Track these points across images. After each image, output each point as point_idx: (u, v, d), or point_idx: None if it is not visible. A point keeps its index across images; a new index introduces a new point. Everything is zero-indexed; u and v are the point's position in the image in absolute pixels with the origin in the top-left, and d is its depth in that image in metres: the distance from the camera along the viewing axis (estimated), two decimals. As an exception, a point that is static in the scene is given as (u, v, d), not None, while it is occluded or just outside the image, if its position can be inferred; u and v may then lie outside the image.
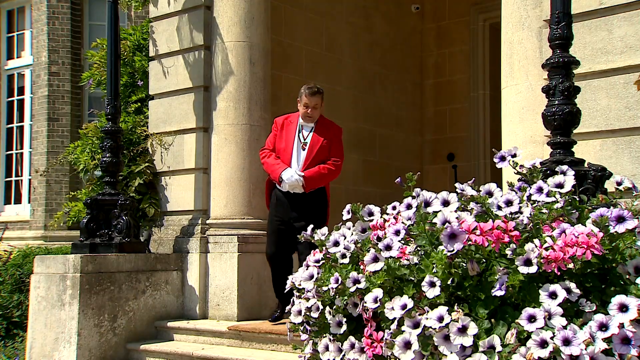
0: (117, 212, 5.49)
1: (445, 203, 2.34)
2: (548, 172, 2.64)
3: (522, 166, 2.58)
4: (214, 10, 5.90)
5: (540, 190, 2.35)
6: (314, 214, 4.76)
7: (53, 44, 8.82)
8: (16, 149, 9.55)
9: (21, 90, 9.59)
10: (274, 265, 4.93)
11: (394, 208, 2.55)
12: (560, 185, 2.35)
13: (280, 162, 4.76)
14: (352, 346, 2.36)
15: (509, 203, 2.29)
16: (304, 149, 4.78)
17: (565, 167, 2.46)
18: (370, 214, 2.62)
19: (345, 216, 2.73)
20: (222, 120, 5.79)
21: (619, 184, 2.55)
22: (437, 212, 2.29)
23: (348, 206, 2.72)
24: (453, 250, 2.13)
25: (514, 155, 2.62)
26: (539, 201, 2.33)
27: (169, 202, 6.11)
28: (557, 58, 3.06)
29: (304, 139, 4.79)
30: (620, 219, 2.11)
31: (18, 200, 9.47)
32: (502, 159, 2.62)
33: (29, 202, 9.01)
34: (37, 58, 8.95)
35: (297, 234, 4.50)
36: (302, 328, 2.64)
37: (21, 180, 9.46)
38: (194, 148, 5.94)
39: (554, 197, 2.30)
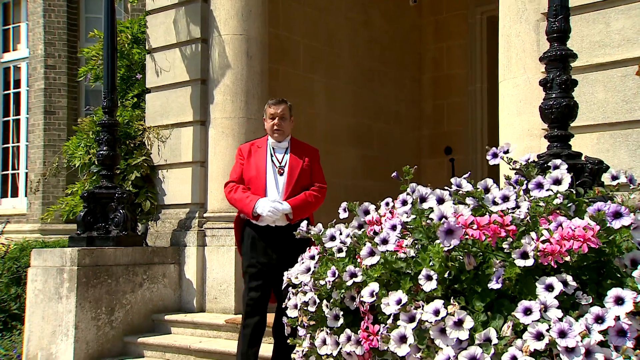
0: (114, 206, 5.49)
1: (441, 201, 2.33)
2: (545, 165, 2.64)
3: (515, 162, 2.57)
4: (211, 3, 5.88)
5: (539, 186, 2.34)
6: (298, 247, 3.68)
7: (49, 37, 8.78)
8: (13, 142, 9.52)
9: (17, 83, 9.56)
10: (255, 327, 3.97)
11: (387, 204, 2.54)
12: (557, 181, 2.33)
13: (250, 194, 3.93)
14: (349, 339, 2.36)
15: (506, 199, 2.28)
16: (281, 174, 3.98)
17: (558, 161, 2.45)
18: (367, 212, 2.61)
19: (342, 214, 2.71)
20: (219, 114, 5.78)
21: (614, 178, 2.54)
22: (433, 207, 2.29)
23: (344, 204, 2.71)
24: (450, 246, 2.13)
25: (507, 152, 2.60)
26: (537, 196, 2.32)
27: (166, 196, 6.10)
28: (554, 51, 3.05)
29: (280, 162, 4.00)
30: (617, 215, 2.11)
31: (15, 194, 9.45)
32: (495, 155, 2.61)
33: (26, 196, 8.99)
34: (33, 51, 8.92)
35: (281, 277, 3.48)
36: (299, 322, 2.64)
37: (18, 173, 9.44)
38: (191, 141, 5.93)
39: (552, 191, 2.30)
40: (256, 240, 3.94)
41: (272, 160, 4.01)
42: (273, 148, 4.05)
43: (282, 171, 3.98)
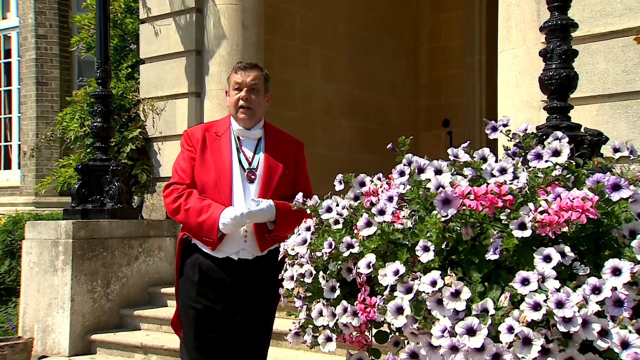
0: (108, 178, 5.45)
1: (439, 172, 2.31)
2: (544, 137, 2.61)
3: (515, 134, 2.54)
4: (205, -28, 5.77)
5: (538, 156, 2.32)
6: (268, 293, 2.75)
7: (40, 5, 8.62)
8: (5, 114, 9.43)
9: (8, 53, 9.41)
10: None
11: (379, 179, 2.52)
12: (557, 153, 2.31)
13: (213, 203, 2.67)
14: (345, 310, 2.36)
15: (503, 171, 2.26)
16: (252, 181, 2.72)
17: (559, 133, 2.42)
18: (362, 184, 2.59)
19: (337, 186, 2.68)
20: (214, 85, 5.71)
21: (616, 150, 2.51)
22: (430, 178, 2.27)
23: (339, 176, 2.68)
24: (447, 215, 2.12)
25: (506, 125, 2.57)
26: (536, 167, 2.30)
27: (161, 167, 6.07)
28: (555, 20, 2.99)
29: (249, 163, 2.75)
30: (616, 187, 2.09)
31: (8, 166, 9.39)
32: (494, 129, 2.58)
33: (19, 168, 8.93)
34: (24, 20, 8.76)
35: (241, 332, 2.71)
36: (296, 294, 2.63)
37: (10, 145, 9.36)
38: (186, 113, 5.87)
39: (551, 162, 2.28)
40: (208, 274, 2.70)
41: (239, 159, 2.74)
42: (239, 139, 2.77)
43: (253, 177, 2.72)
